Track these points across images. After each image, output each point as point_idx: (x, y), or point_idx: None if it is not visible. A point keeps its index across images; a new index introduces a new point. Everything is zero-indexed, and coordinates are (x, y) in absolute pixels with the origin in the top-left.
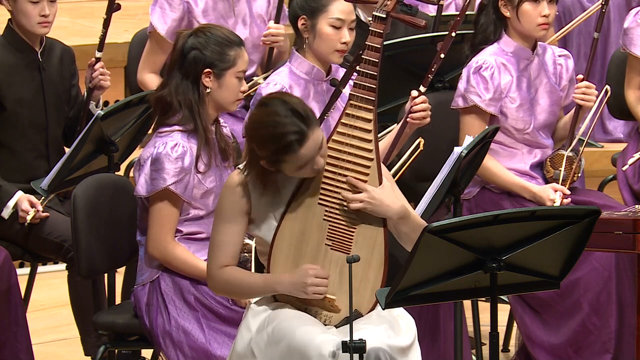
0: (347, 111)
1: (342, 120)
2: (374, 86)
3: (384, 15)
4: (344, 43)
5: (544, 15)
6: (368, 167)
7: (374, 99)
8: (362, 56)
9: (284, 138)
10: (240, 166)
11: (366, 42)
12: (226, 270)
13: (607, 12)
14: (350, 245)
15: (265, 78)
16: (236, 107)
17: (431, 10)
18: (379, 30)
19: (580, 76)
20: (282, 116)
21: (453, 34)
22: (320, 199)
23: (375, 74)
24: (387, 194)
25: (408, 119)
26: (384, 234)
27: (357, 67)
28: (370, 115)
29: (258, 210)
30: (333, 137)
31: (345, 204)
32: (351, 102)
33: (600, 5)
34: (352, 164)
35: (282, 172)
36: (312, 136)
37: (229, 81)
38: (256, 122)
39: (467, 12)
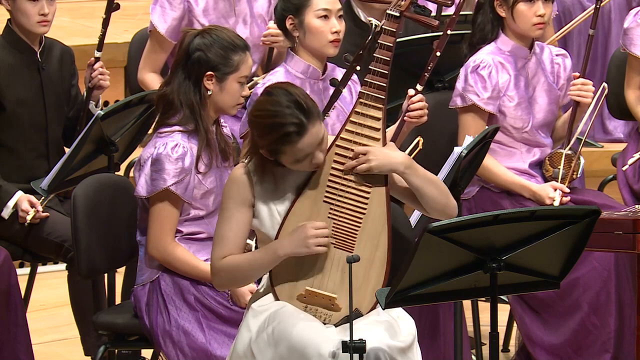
0: (356, 109)
1: (351, 118)
2: (385, 85)
3: (398, 14)
4: (335, 32)
5: (539, 15)
6: None
7: (383, 97)
8: (374, 54)
9: (282, 128)
10: (245, 159)
11: (378, 41)
12: (226, 259)
13: (608, 12)
14: (354, 244)
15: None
16: (236, 111)
17: (431, 10)
18: (391, 29)
19: (577, 74)
20: (284, 106)
21: (449, 32)
22: (326, 196)
23: (387, 72)
24: (389, 149)
25: (405, 118)
26: (388, 234)
27: (369, 66)
28: (379, 114)
29: (261, 202)
30: (341, 135)
31: (350, 202)
32: (361, 100)
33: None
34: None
35: (280, 162)
36: (311, 129)
37: (230, 86)
38: (258, 109)
39: (466, 12)
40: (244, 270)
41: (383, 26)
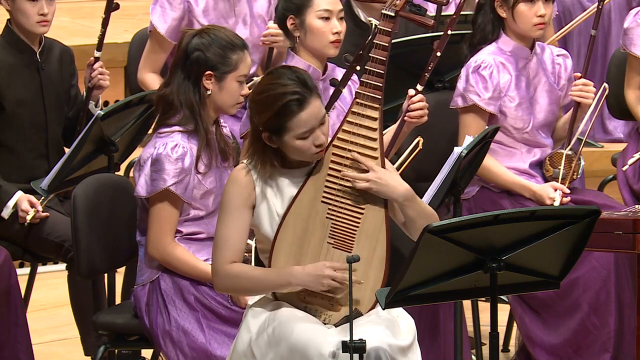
0: (353, 109)
1: (347, 119)
2: (381, 84)
3: (393, 14)
4: (336, 33)
5: (540, 15)
6: None
7: (380, 97)
8: (370, 54)
9: (283, 98)
10: (245, 160)
11: (374, 41)
12: (235, 266)
13: (608, 12)
14: (352, 244)
15: None
16: (236, 110)
17: (430, 10)
18: (387, 29)
19: (578, 74)
20: (285, 79)
21: (449, 32)
22: (324, 197)
23: (383, 72)
24: (393, 176)
25: (405, 118)
26: (386, 234)
27: (365, 66)
28: (376, 114)
29: (261, 203)
30: (338, 135)
31: (348, 202)
32: (357, 100)
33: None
34: (357, 162)
35: (283, 147)
36: (312, 102)
37: (229, 85)
38: (259, 87)
39: (467, 12)
40: (251, 285)
41: (378, 26)
